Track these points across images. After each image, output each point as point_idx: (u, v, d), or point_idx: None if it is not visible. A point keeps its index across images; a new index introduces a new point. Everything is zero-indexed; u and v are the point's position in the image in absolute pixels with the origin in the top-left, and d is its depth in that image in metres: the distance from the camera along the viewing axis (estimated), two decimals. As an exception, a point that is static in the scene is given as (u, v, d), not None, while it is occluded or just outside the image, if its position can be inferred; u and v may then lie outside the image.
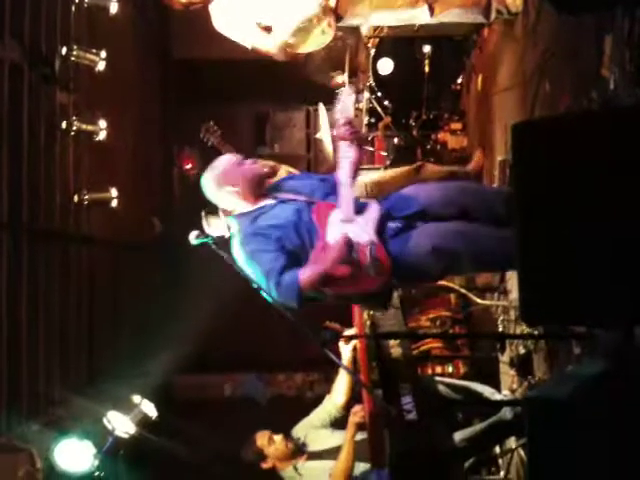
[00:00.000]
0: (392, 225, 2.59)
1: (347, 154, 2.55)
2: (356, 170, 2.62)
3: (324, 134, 4.98)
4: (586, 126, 1.71)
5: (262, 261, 2.52)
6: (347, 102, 2.56)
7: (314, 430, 3.38)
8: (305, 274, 2.47)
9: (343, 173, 2.55)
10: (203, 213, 3.75)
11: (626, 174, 1.62)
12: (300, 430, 3.42)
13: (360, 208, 2.58)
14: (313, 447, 3.31)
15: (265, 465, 3.27)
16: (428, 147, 4.99)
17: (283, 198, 2.69)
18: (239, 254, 2.60)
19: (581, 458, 1.63)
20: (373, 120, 5.14)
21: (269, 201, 2.71)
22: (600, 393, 1.70)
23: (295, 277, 2.47)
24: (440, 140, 5.04)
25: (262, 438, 3.31)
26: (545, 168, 1.71)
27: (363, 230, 2.50)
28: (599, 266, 1.66)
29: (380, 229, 2.55)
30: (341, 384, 3.37)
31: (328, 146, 5.04)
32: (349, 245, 2.47)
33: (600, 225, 1.64)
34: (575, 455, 1.64)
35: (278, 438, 3.30)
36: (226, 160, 2.78)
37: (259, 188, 2.72)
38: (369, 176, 4.00)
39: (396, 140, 5.08)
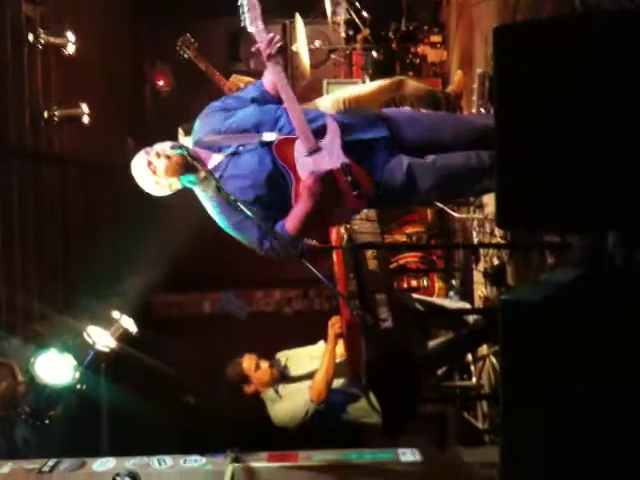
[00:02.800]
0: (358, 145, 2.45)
1: (274, 64, 2.36)
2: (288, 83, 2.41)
3: (301, 47, 4.86)
4: (569, 29, 1.68)
5: (250, 230, 2.37)
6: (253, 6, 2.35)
7: (298, 358, 3.44)
8: (290, 222, 2.36)
9: (285, 93, 2.37)
10: (180, 129, 3.65)
11: (607, 76, 1.61)
12: (282, 356, 3.49)
13: (318, 129, 2.41)
14: (294, 372, 3.38)
15: (248, 389, 3.32)
16: (407, 61, 4.89)
17: (232, 150, 2.44)
18: (221, 223, 2.44)
19: (553, 359, 1.67)
20: (351, 33, 5.02)
21: (218, 158, 2.45)
22: (573, 297, 1.73)
23: (285, 230, 2.35)
24: (419, 53, 4.94)
25: (249, 362, 3.34)
26: (527, 71, 1.68)
27: (331, 155, 2.37)
28: (576, 169, 1.67)
29: (348, 149, 2.41)
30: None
31: (305, 60, 4.93)
32: (325, 176, 2.34)
33: (580, 127, 1.64)
34: (548, 356, 1.67)
35: (265, 365, 3.33)
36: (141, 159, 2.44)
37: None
38: (347, 91, 3.90)
39: (375, 54, 4.97)
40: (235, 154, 2.44)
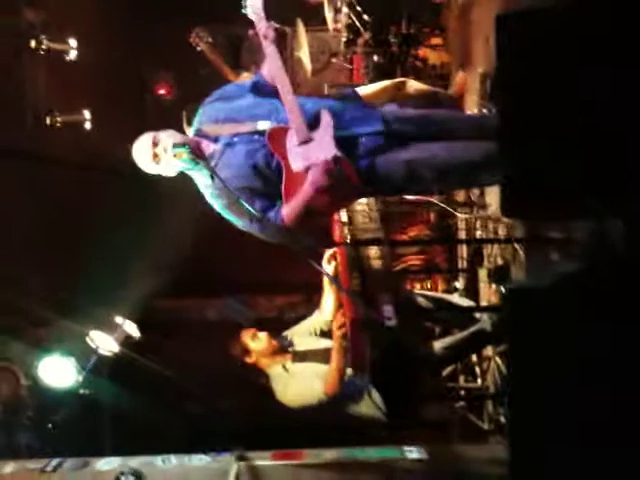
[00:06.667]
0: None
1: (272, 50, 2.40)
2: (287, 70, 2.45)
3: (303, 52, 4.88)
4: (572, 16, 1.68)
5: (239, 213, 2.45)
6: None
7: (300, 335, 3.43)
8: (286, 211, 2.40)
9: (280, 79, 2.39)
10: (184, 117, 3.66)
11: (608, 62, 1.61)
12: (288, 332, 3.48)
13: (312, 119, 2.42)
14: (298, 347, 3.35)
15: (249, 359, 3.30)
16: (408, 64, 4.90)
17: (226, 140, 2.49)
18: (214, 205, 2.52)
19: (560, 348, 1.66)
20: (352, 37, 5.03)
21: (213, 147, 2.51)
22: (576, 289, 1.72)
23: (277, 216, 2.40)
24: (420, 56, 4.96)
25: (246, 334, 3.36)
26: (529, 58, 1.68)
27: (322, 146, 2.38)
28: (579, 156, 1.66)
29: (340, 142, 2.41)
30: (328, 301, 3.40)
31: (307, 65, 4.95)
32: (320, 169, 2.35)
33: (584, 112, 1.63)
34: (554, 345, 1.66)
35: (262, 334, 3.35)
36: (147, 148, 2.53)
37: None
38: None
39: (375, 57, 4.99)
40: (229, 144, 2.49)
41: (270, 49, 2.42)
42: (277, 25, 2.44)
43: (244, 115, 2.50)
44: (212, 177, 2.45)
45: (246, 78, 4.07)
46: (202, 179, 2.53)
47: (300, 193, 2.38)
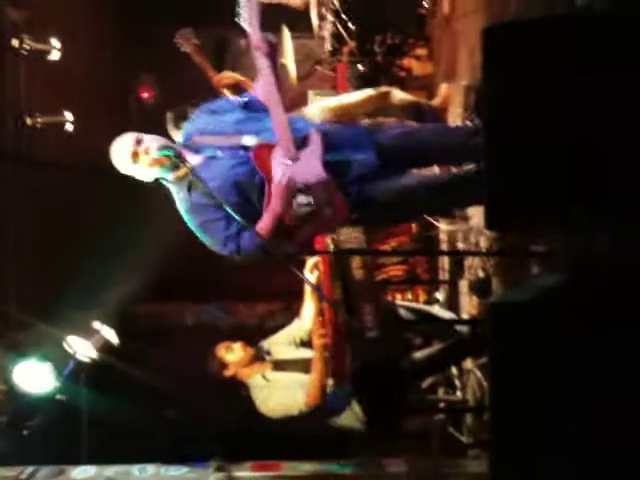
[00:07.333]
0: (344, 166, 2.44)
1: (265, 65, 2.37)
2: (279, 87, 2.41)
3: (287, 59, 4.87)
4: (558, 29, 1.69)
5: (215, 231, 2.40)
6: (252, 1, 2.37)
7: (279, 344, 3.42)
8: (260, 225, 2.37)
9: (271, 96, 2.37)
10: (169, 118, 3.64)
11: (594, 76, 1.62)
12: (265, 343, 3.46)
13: (301, 139, 2.40)
14: (276, 356, 3.34)
15: (227, 373, 3.29)
16: (392, 73, 4.92)
17: (210, 153, 2.46)
18: (188, 222, 2.46)
19: (542, 361, 1.67)
20: (337, 46, 5.04)
21: (194, 159, 2.47)
22: (561, 298, 1.73)
23: (252, 235, 2.36)
24: (405, 66, 4.98)
25: (220, 349, 3.35)
26: (515, 71, 1.69)
27: (308, 167, 2.36)
28: (563, 170, 1.67)
29: (331, 166, 2.39)
30: (308, 309, 3.39)
31: (292, 72, 4.94)
32: (302, 187, 2.34)
33: (569, 127, 1.64)
34: (537, 358, 1.67)
35: (236, 345, 3.34)
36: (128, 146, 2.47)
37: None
38: (334, 99, 3.92)
39: (360, 67, 5.00)
40: (212, 157, 2.46)
41: (263, 62, 2.39)
42: (272, 38, 2.43)
43: (231, 129, 2.48)
44: (189, 190, 2.40)
45: (227, 79, 4.05)
46: (179, 193, 2.47)
47: (270, 204, 2.36)
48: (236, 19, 2.40)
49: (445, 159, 2.63)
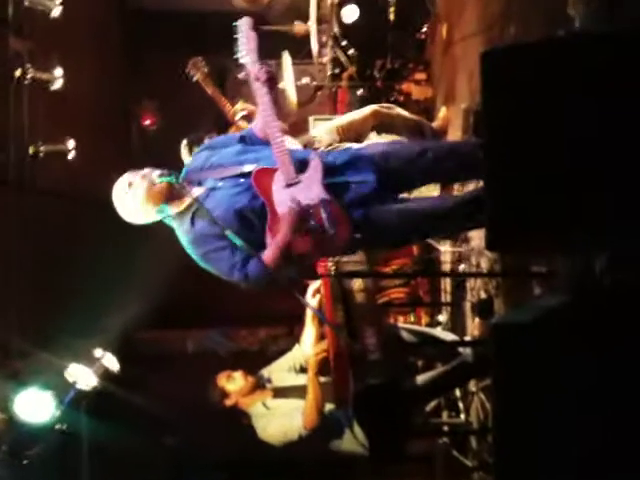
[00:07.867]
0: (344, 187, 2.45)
1: (264, 92, 2.40)
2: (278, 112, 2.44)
3: (288, 85, 4.91)
4: (556, 51, 1.70)
5: (219, 261, 2.41)
6: (248, 33, 2.41)
7: (279, 371, 3.40)
8: (267, 254, 2.37)
9: (270, 123, 2.38)
10: (184, 145, 3.67)
11: (593, 98, 1.63)
12: (265, 371, 3.44)
13: (301, 163, 2.42)
14: (277, 383, 3.32)
15: (228, 402, 3.27)
16: (392, 98, 4.95)
17: (211, 184, 2.47)
18: (192, 253, 2.47)
19: (545, 382, 1.65)
20: (337, 71, 5.08)
21: (197, 191, 2.49)
22: (563, 319, 1.72)
23: (260, 263, 2.36)
24: (404, 91, 5.01)
25: (221, 379, 3.33)
26: (514, 93, 1.70)
27: (309, 190, 2.37)
28: (564, 191, 1.67)
29: (332, 188, 2.40)
30: (309, 335, 3.38)
31: (292, 97, 4.97)
32: (302, 210, 2.36)
33: (568, 150, 1.65)
34: (540, 378, 1.66)
35: (237, 374, 3.32)
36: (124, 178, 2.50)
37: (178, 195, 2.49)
38: (340, 119, 3.96)
39: (360, 91, 5.03)
40: (214, 189, 2.47)
41: (262, 90, 2.41)
42: (270, 67, 2.45)
43: (231, 161, 2.50)
44: (193, 220, 2.42)
45: (240, 109, 4.08)
46: (182, 226, 2.48)
47: (279, 234, 2.36)
48: (235, 56, 2.43)
49: (452, 173, 2.64)
